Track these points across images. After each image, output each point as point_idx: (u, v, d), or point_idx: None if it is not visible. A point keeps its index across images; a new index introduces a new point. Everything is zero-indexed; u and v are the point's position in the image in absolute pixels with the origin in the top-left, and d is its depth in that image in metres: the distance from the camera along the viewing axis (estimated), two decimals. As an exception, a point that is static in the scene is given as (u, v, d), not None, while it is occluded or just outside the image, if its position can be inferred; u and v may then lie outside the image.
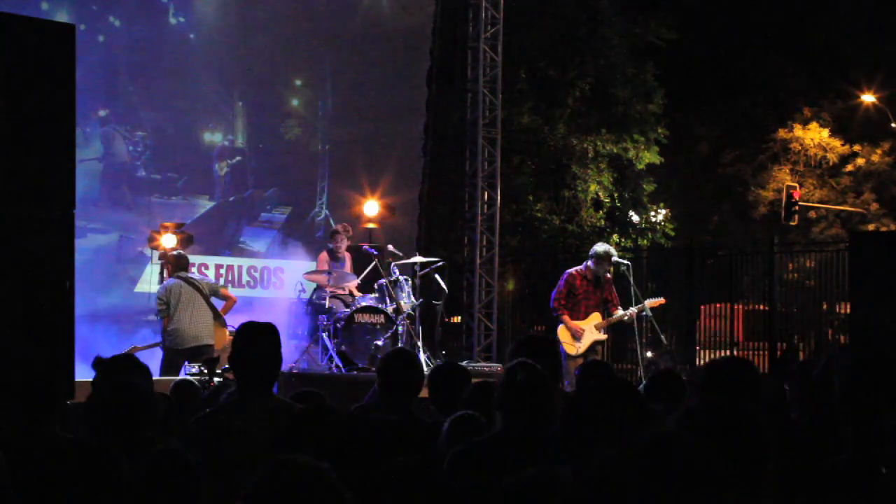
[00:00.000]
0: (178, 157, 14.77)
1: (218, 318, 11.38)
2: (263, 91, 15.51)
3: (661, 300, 12.23)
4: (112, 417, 4.33)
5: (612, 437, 2.78)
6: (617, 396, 3.09)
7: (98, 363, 5.57)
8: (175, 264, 11.55)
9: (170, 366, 11.07)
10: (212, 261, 14.63)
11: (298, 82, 15.89)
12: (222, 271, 14.72)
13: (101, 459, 3.89)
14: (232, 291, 12.51)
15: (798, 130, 26.41)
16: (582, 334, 11.37)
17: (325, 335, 12.31)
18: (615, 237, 23.32)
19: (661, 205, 25.75)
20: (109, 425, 4.29)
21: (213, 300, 11.46)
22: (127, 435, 4.24)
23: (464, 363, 14.57)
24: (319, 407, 4.19)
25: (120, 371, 5.24)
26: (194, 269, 11.95)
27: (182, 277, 11.37)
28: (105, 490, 3.81)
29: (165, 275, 11.94)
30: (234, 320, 10.68)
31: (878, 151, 26.29)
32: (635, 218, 24.84)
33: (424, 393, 5.65)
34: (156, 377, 7.62)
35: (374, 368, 12.05)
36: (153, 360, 12.14)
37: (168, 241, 12.63)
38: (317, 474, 2.44)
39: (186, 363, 10.79)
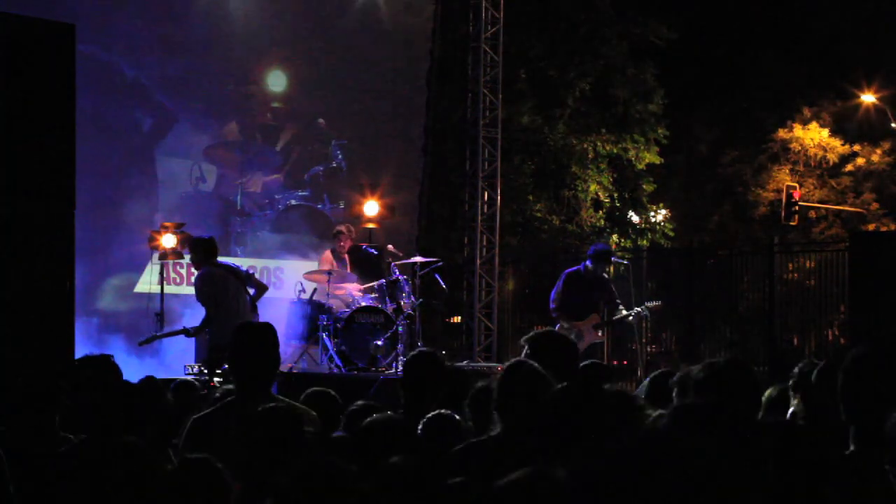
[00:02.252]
0: (178, 156, 14.78)
1: (253, 307, 10.64)
2: (262, 91, 15.51)
3: (658, 304, 12.25)
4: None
5: (604, 437, 2.79)
6: (597, 395, 3.09)
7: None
8: (207, 250, 10.59)
9: (215, 362, 10.03)
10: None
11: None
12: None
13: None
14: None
15: (798, 130, 26.37)
16: (581, 334, 11.38)
17: (325, 335, 12.30)
18: (615, 237, 23.34)
19: (661, 205, 25.75)
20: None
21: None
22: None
23: (464, 363, 14.66)
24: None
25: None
26: (193, 269, 11.71)
27: (220, 265, 10.63)
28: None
29: (159, 263, 11.64)
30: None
31: (878, 151, 26.26)
32: (635, 218, 24.85)
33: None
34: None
35: (373, 368, 12.09)
36: (175, 348, 12.04)
37: (168, 241, 12.59)
38: (346, 477, 2.45)
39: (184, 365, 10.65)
